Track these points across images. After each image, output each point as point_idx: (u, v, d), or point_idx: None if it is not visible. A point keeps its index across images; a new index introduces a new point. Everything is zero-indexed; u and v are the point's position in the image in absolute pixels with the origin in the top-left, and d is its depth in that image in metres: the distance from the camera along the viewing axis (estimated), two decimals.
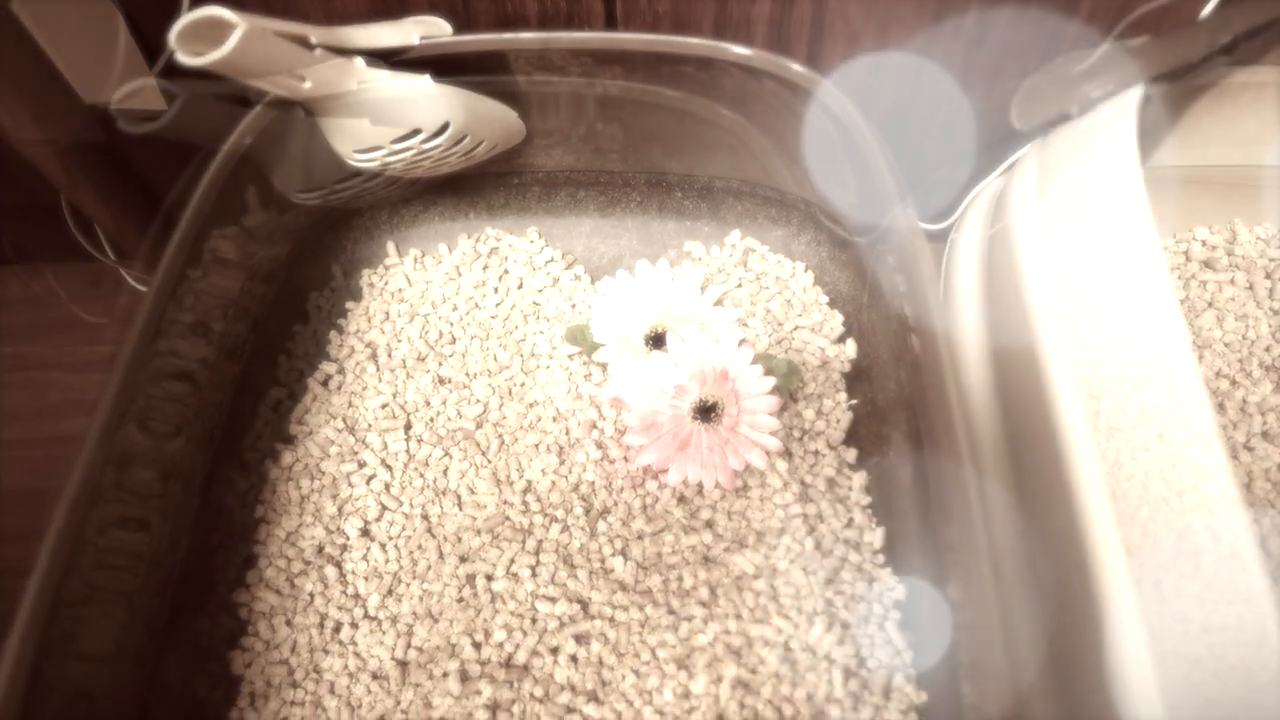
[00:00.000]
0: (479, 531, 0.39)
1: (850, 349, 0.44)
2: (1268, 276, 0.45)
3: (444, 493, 0.40)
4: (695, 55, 0.37)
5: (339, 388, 0.44)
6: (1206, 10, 0.36)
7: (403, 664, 0.36)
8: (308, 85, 0.33)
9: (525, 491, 0.40)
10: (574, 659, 0.35)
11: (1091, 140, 0.35)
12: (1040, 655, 0.26)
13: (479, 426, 0.42)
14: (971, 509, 0.28)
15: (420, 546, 0.38)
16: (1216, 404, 0.42)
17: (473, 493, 0.40)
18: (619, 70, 0.39)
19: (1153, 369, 0.29)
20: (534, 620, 0.36)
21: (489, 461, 0.41)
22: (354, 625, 0.37)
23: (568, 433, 0.42)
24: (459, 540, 0.38)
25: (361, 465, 0.41)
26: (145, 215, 0.52)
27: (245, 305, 0.42)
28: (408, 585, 0.37)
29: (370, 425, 0.42)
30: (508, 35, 0.37)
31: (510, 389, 0.44)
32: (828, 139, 0.38)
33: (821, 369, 0.43)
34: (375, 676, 0.35)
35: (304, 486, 0.40)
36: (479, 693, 0.34)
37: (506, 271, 0.48)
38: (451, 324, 0.46)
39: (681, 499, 0.39)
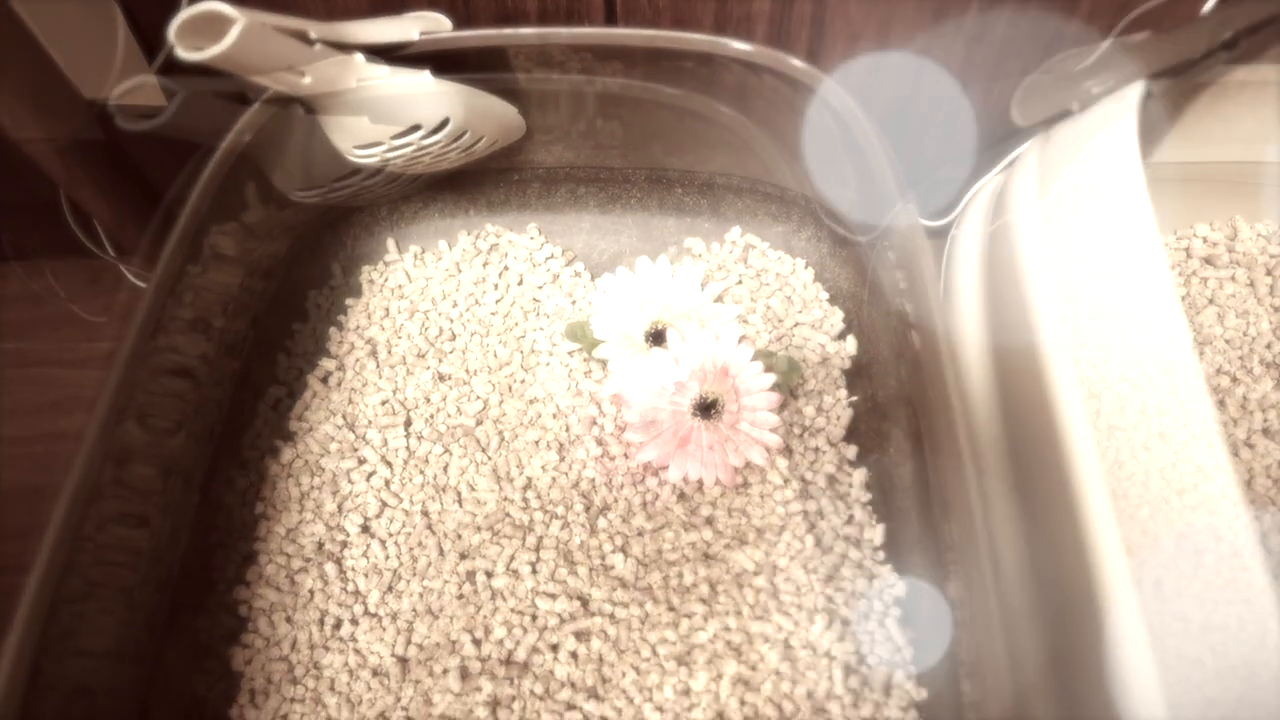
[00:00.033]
0: (479, 528, 0.39)
1: (850, 346, 0.44)
2: (1268, 273, 0.45)
3: (444, 489, 0.40)
4: (696, 51, 0.37)
5: (339, 384, 0.44)
6: (1207, 7, 0.36)
7: (403, 661, 0.36)
8: (307, 81, 0.33)
9: (525, 488, 0.40)
10: (574, 656, 0.35)
11: (1092, 137, 0.35)
12: (1041, 653, 0.26)
13: (479, 423, 0.42)
14: (971, 506, 0.28)
15: (420, 543, 0.38)
16: (1217, 401, 0.42)
17: (473, 489, 0.40)
18: (619, 66, 0.39)
19: (1153, 367, 0.29)
20: (534, 617, 0.36)
21: (489, 458, 0.41)
22: (354, 622, 0.37)
23: (568, 429, 0.42)
24: (459, 537, 0.38)
25: (361, 462, 0.41)
26: (145, 211, 0.51)
27: (245, 301, 0.42)
28: (408, 582, 0.37)
29: (370, 422, 0.42)
30: (508, 31, 0.37)
31: (510, 385, 0.44)
32: (828, 135, 0.38)
33: (822, 366, 0.43)
34: (375, 673, 0.35)
35: (304, 483, 0.40)
36: (479, 689, 0.34)
37: (506, 268, 0.48)
38: (451, 320, 0.46)
39: (682, 496, 0.39)
